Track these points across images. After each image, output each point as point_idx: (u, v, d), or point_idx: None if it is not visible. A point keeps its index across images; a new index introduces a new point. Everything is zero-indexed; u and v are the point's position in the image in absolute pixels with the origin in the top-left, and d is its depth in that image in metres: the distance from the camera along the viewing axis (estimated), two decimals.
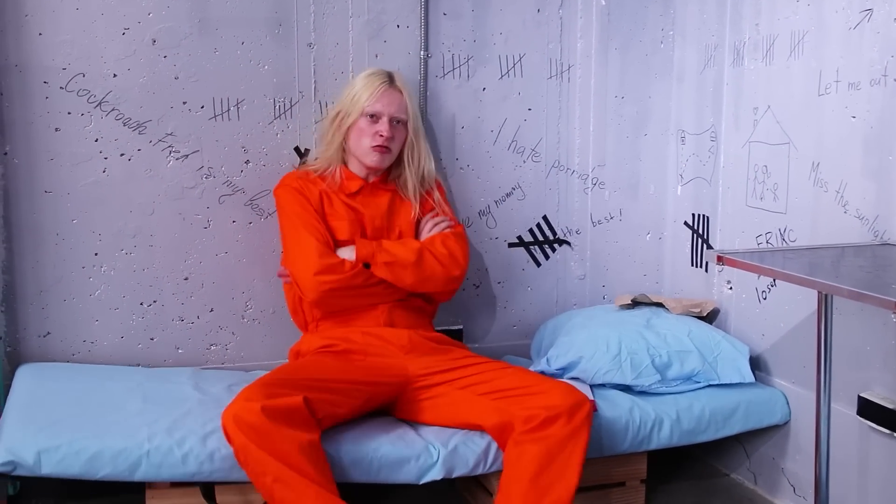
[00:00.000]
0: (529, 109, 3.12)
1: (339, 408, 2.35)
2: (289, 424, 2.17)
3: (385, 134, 2.63)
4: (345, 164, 2.72)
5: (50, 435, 2.23)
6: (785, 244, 2.69)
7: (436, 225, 2.74)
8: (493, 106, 3.07)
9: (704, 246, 3.07)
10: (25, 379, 2.59)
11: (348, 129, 2.66)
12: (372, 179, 2.72)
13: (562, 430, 2.29)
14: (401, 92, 2.68)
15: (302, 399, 2.23)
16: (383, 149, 2.65)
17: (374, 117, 2.64)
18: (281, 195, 2.71)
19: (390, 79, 2.68)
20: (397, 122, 2.67)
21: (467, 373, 2.51)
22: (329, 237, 2.62)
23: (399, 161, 2.73)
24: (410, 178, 2.73)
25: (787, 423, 2.72)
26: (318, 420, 2.26)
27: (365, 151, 2.66)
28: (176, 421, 2.36)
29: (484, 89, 3.06)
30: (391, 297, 2.64)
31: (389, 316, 2.65)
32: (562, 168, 3.18)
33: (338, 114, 2.69)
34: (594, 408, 2.50)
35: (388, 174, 2.75)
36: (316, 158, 2.79)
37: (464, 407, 2.45)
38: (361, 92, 2.65)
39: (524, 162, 3.14)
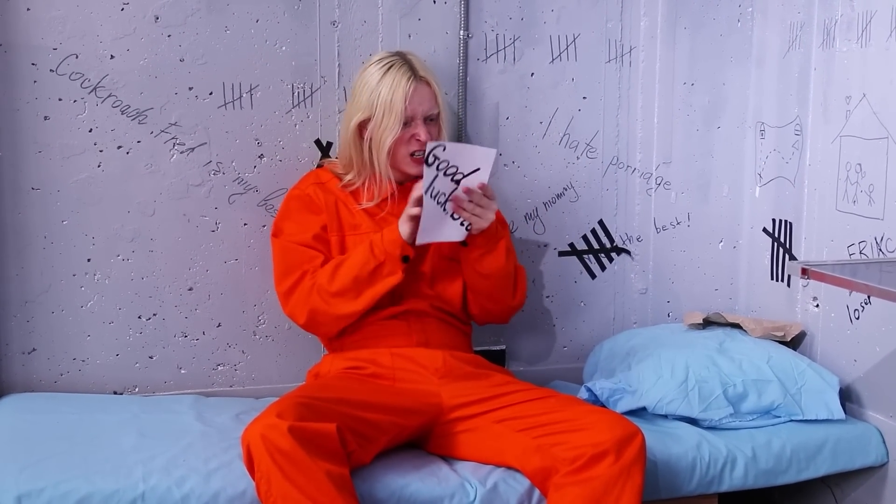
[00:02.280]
0: (584, 98, 3.09)
1: (369, 443, 2.33)
2: (319, 453, 2.15)
3: (423, 138, 2.57)
4: (373, 170, 2.64)
5: (33, 476, 2.21)
6: (882, 255, 2.65)
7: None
8: (542, 94, 3.05)
9: (787, 256, 3.04)
10: (7, 412, 2.59)
11: (391, 142, 2.58)
12: (405, 183, 2.66)
13: (609, 470, 2.24)
14: (427, 83, 2.61)
15: (335, 427, 2.20)
16: (422, 158, 2.57)
17: (406, 122, 2.58)
18: (286, 200, 2.71)
19: (413, 70, 2.60)
20: (430, 120, 2.62)
21: (506, 402, 2.48)
22: (314, 265, 2.59)
23: None
24: None
25: (884, 464, 2.68)
26: (347, 453, 2.23)
27: (403, 161, 2.62)
28: (175, 457, 2.33)
29: (532, 75, 3.04)
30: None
31: (424, 334, 2.62)
32: (621, 166, 3.15)
33: (363, 123, 2.60)
34: None
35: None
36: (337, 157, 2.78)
37: (501, 445, 2.42)
38: (393, 96, 2.55)
39: (578, 158, 3.11)
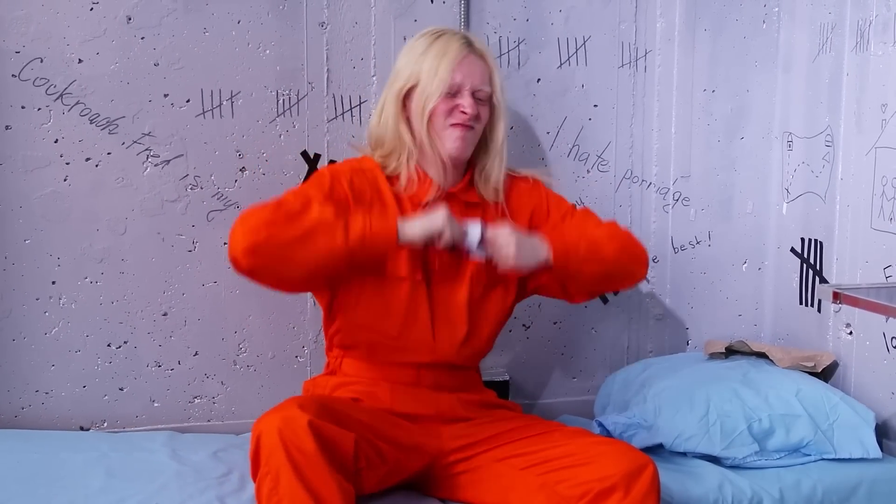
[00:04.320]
0: (595, 106, 3.09)
1: (371, 469, 2.29)
2: (333, 463, 2.12)
3: (468, 110, 2.48)
4: (419, 150, 2.53)
5: None
6: None
7: None
8: (549, 101, 3.06)
9: (817, 279, 3.03)
10: None
11: (430, 112, 2.47)
12: (450, 186, 2.55)
13: None
14: (483, 58, 2.53)
15: (354, 438, 2.18)
16: (466, 127, 2.48)
17: (452, 92, 2.49)
18: (319, 170, 2.60)
19: (468, 40, 2.53)
20: (480, 99, 2.51)
21: (508, 439, 2.46)
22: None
23: (480, 150, 2.57)
24: (494, 171, 2.56)
25: None
26: (356, 471, 2.21)
27: (443, 132, 2.49)
28: (147, 499, 2.34)
29: (538, 80, 3.04)
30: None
31: (435, 380, 2.56)
32: (635, 180, 3.16)
33: (403, 91, 2.50)
34: None
35: (471, 178, 2.59)
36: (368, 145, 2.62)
37: (503, 485, 2.39)
38: (441, 60, 2.47)
39: (588, 172, 3.11)
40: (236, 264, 2.27)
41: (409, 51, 2.53)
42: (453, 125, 2.47)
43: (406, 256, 2.47)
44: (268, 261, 2.26)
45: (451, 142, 2.48)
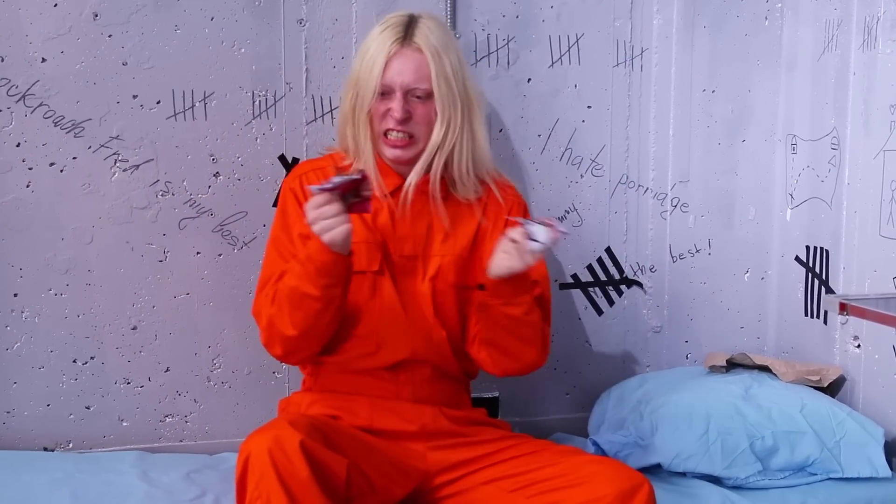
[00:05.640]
0: (589, 107, 3.09)
1: (363, 498, 2.28)
2: (326, 490, 2.10)
3: (397, 115, 2.43)
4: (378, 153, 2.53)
5: None
6: None
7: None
8: (540, 102, 3.05)
9: (823, 289, 3.03)
10: None
11: (367, 116, 2.45)
12: (416, 178, 2.50)
13: None
14: (420, 50, 2.45)
15: (346, 464, 2.16)
16: (398, 141, 2.45)
17: (386, 93, 2.45)
18: (279, 198, 2.59)
19: (406, 31, 2.45)
20: (417, 97, 2.47)
21: (496, 459, 2.45)
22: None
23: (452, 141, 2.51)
24: (464, 165, 2.51)
25: None
26: (347, 498, 2.20)
27: (378, 139, 2.48)
28: None
29: (529, 80, 3.04)
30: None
31: (411, 388, 2.54)
32: (631, 185, 3.15)
33: (354, 95, 2.48)
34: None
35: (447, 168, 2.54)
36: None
37: None
38: (374, 59, 2.43)
39: (582, 177, 3.11)
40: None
41: (363, 43, 2.50)
42: (385, 134, 2.45)
43: (363, 250, 2.45)
44: (303, 352, 2.48)
45: (387, 150, 2.47)
